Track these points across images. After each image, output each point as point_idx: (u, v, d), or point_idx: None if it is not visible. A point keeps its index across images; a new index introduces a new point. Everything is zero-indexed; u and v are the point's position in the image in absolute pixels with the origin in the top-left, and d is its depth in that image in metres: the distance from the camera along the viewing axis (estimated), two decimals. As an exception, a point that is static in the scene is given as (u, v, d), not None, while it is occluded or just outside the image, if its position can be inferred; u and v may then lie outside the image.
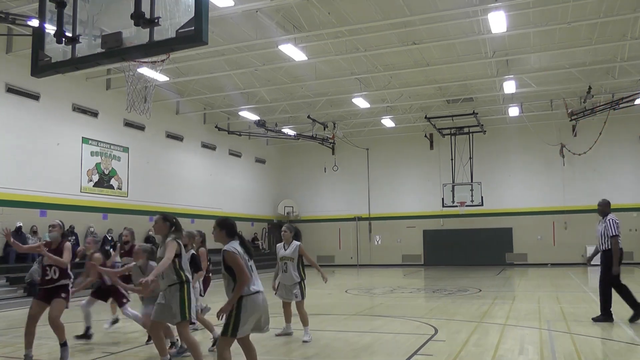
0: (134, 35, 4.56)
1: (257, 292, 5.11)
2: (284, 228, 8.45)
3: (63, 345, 6.97)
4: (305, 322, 8.23)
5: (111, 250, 14.94)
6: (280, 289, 8.37)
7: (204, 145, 26.75)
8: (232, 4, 13.71)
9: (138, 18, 4.35)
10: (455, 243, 29.66)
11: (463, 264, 28.42)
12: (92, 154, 19.89)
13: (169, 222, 6.12)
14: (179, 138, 24.88)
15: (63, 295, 7.01)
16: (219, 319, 5.03)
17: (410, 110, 26.66)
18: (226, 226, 5.20)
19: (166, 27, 4.38)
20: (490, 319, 10.34)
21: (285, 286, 8.31)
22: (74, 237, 18.26)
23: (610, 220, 9.67)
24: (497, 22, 15.08)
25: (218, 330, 8.25)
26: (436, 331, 8.92)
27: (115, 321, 9.49)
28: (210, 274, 9.20)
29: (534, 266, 27.50)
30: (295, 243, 8.25)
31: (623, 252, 9.90)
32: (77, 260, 18.71)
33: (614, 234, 9.54)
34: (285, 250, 8.27)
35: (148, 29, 4.41)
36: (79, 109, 19.53)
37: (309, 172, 32.95)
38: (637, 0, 15.53)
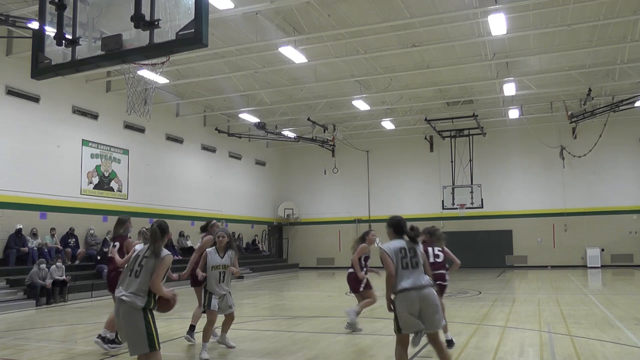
0: (134, 37, 4.57)
1: (404, 289, 5.16)
2: (221, 233, 7.63)
3: None
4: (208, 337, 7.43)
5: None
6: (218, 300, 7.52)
7: (204, 148, 26.75)
8: (232, 6, 13.72)
9: (138, 20, 4.36)
10: (455, 245, 29.33)
11: (463, 266, 27.97)
12: (92, 156, 19.89)
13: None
14: (179, 140, 24.88)
15: None
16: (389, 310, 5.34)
17: (410, 112, 26.67)
18: (391, 224, 5.59)
19: (166, 29, 4.39)
20: (490, 321, 10.34)
21: (225, 297, 7.55)
22: (74, 239, 18.25)
23: None
24: (497, 24, 15.07)
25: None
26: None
27: None
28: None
29: (534, 268, 27.48)
30: (232, 252, 7.57)
31: None
32: (77, 262, 18.80)
33: None
34: (221, 258, 7.47)
35: (148, 31, 4.42)
36: (79, 112, 19.53)
37: (309, 174, 32.95)
38: (637, 3, 15.55)
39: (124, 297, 4.76)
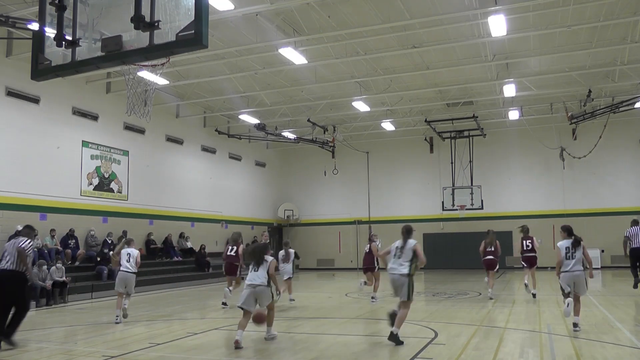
0: (134, 38, 4.57)
1: (565, 271, 9.01)
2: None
3: None
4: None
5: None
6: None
7: (204, 149, 26.75)
8: (232, 7, 13.72)
9: (138, 21, 4.36)
10: (455, 246, 29.63)
11: (463, 267, 28.38)
12: (92, 157, 19.89)
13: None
14: (179, 141, 24.88)
15: None
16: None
17: (410, 113, 26.67)
18: (564, 230, 9.33)
19: (166, 30, 4.40)
20: (490, 322, 10.33)
21: (249, 289, 8.83)
22: (74, 240, 18.25)
23: None
24: (497, 25, 15.07)
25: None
26: (436, 334, 8.91)
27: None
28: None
29: (534, 269, 27.42)
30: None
31: None
32: (77, 263, 18.79)
33: None
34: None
35: (148, 33, 4.43)
36: (79, 113, 19.53)
37: (309, 175, 32.94)
38: (637, 4, 15.57)
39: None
